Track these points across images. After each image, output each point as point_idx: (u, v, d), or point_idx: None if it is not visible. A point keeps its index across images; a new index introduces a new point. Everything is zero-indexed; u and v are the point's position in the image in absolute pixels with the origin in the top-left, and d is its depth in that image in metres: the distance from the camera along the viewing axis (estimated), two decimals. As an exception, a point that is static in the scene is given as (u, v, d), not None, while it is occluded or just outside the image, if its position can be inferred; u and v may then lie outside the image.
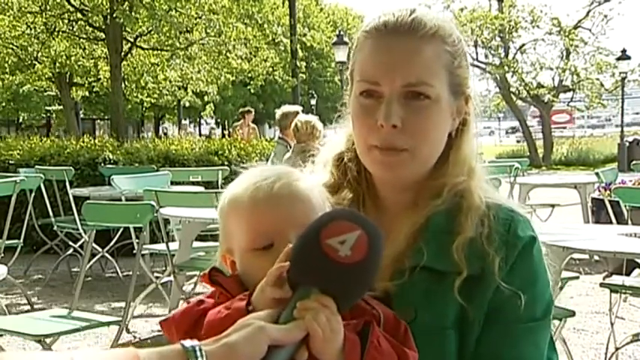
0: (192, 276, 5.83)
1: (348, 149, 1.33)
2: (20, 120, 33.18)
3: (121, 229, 6.60)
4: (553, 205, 8.07)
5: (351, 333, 0.99)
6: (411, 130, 1.19)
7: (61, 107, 22.02)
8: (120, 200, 5.76)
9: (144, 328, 5.29)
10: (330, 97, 36.65)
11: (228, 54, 15.20)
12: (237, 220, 1.12)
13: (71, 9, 14.33)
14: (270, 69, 16.51)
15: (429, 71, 1.19)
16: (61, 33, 15.38)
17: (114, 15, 12.88)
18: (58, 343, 3.77)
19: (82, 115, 29.83)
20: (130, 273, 6.27)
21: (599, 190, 7.01)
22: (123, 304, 4.95)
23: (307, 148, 5.30)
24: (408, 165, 1.21)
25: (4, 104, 26.73)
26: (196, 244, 5.18)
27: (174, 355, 0.89)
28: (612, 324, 4.29)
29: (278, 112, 6.72)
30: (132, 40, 14.58)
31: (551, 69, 26.87)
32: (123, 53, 14.10)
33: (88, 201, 4.34)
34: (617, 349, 4.02)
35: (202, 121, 42.72)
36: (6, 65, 17.27)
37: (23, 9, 14.74)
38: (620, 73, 25.21)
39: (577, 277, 4.63)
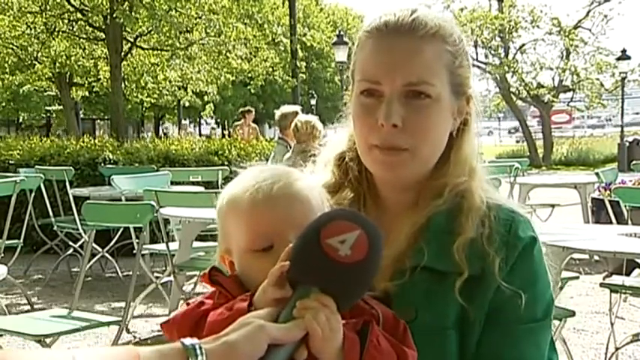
0: (192, 276, 5.83)
1: (349, 149, 1.33)
2: (20, 120, 33.16)
3: (121, 229, 6.60)
4: (553, 205, 8.07)
5: (350, 332, 0.99)
6: (412, 129, 1.18)
7: (61, 107, 22.01)
8: (120, 200, 5.76)
9: (144, 328, 5.29)
10: (330, 97, 36.59)
11: (228, 54, 15.19)
12: (236, 221, 1.12)
13: (71, 9, 14.32)
14: (270, 69, 16.49)
15: (429, 71, 1.19)
16: (61, 33, 15.37)
17: (114, 15, 12.87)
18: (58, 343, 3.77)
19: (82, 115, 29.79)
20: (130, 273, 6.27)
21: (599, 190, 7.01)
22: (123, 304, 4.95)
23: (307, 148, 5.30)
24: (408, 165, 1.21)
25: (4, 104, 26.69)
26: (196, 244, 5.18)
27: (174, 354, 0.89)
28: (612, 324, 4.29)
29: (277, 113, 6.72)
30: (132, 40, 14.57)
31: (551, 69, 26.84)
32: (123, 53, 14.10)
33: (88, 201, 4.35)
34: (617, 349, 4.02)
35: (202, 121, 42.70)
36: (6, 65, 17.26)
37: (23, 9, 14.72)
38: (620, 73, 25.19)
39: (577, 277, 4.63)
